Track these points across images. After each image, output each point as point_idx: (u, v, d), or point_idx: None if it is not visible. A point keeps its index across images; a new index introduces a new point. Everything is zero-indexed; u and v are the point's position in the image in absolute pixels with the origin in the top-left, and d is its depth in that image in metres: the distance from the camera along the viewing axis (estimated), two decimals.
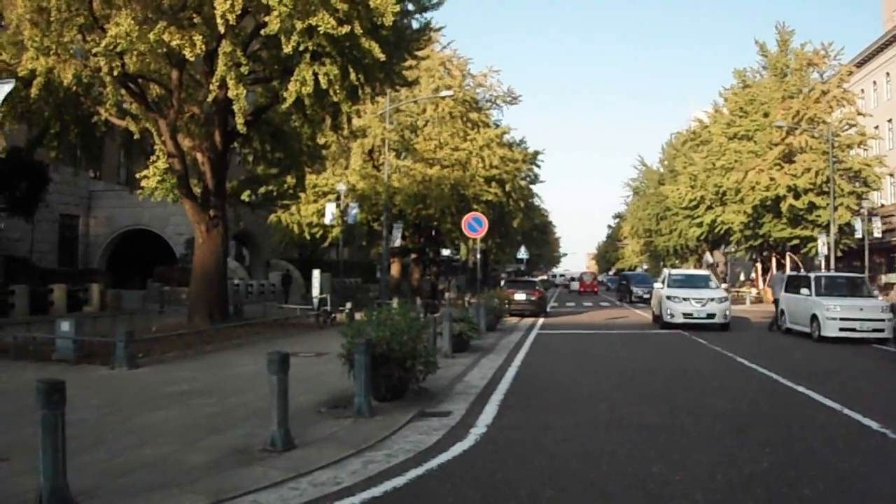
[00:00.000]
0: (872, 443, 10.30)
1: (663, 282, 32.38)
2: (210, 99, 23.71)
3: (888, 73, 67.28)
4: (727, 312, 30.24)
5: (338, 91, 23.18)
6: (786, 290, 29.29)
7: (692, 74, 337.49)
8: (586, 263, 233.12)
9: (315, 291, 32.27)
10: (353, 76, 23.47)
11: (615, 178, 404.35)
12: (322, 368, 16.33)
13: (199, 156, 27.33)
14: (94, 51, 21.58)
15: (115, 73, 22.00)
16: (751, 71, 62.65)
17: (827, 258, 50.54)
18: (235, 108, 22.31)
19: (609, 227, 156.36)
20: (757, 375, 16.95)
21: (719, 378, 16.37)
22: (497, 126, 55.46)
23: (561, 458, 9.22)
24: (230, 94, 22.13)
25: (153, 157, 27.62)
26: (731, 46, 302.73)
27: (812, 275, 27.47)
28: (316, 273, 33.04)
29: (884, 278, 62.29)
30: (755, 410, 12.58)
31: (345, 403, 11.96)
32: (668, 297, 30.39)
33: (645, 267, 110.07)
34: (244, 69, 22.12)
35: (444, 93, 46.62)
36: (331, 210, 42.88)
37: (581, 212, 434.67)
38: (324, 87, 22.69)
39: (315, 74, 22.58)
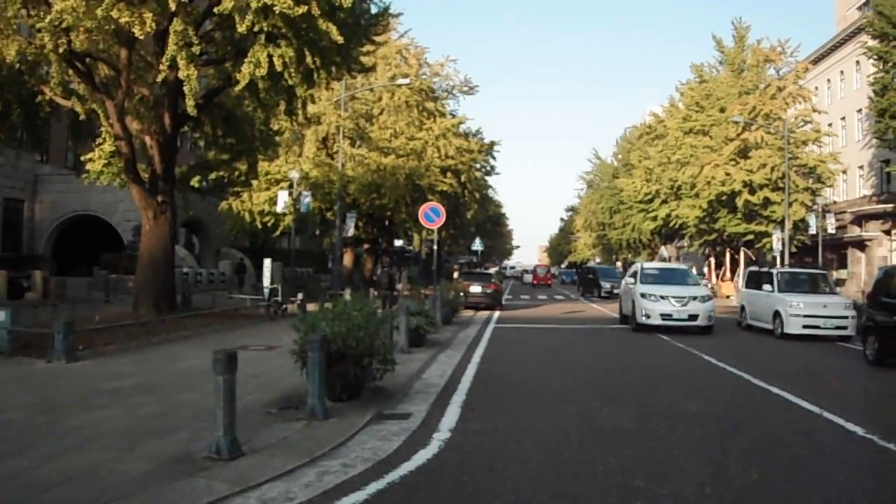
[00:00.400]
0: (864, 452, 9.63)
1: (634, 276, 29.03)
2: (159, 80, 22.75)
3: (842, 72, 67.27)
4: (711, 313, 26.52)
5: (293, 74, 22.31)
6: (746, 286, 28.88)
7: (648, 68, 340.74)
8: (538, 256, 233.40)
9: (266, 281, 31.31)
10: (309, 59, 22.62)
11: (568, 170, 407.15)
12: (273, 363, 15.50)
13: (147, 139, 26.25)
14: (38, 26, 20.53)
15: (61, 50, 20.99)
16: (708, 66, 62.40)
17: (781, 254, 50.45)
18: (186, 89, 21.37)
19: (562, 219, 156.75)
20: (727, 375, 16.35)
21: (688, 377, 15.72)
22: (453, 116, 54.61)
23: (535, 468, 8.42)
24: (181, 74, 21.18)
25: (99, 140, 26.40)
26: (687, 41, 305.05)
27: (774, 270, 26.98)
28: (267, 262, 32.12)
29: (835, 274, 62.45)
30: (732, 414, 11.91)
31: (297, 403, 11.15)
32: (644, 295, 26.54)
33: (598, 260, 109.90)
34: (196, 49, 21.20)
35: (400, 81, 45.73)
36: (283, 198, 41.90)
37: (533, 204, 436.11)
38: (278, 69, 21.83)
39: (270, 56, 21.70)
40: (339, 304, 12.10)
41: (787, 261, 48.88)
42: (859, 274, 63.21)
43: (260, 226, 45.65)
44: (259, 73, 21.72)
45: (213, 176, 30.58)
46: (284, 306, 29.96)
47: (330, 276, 48.75)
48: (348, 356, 11.21)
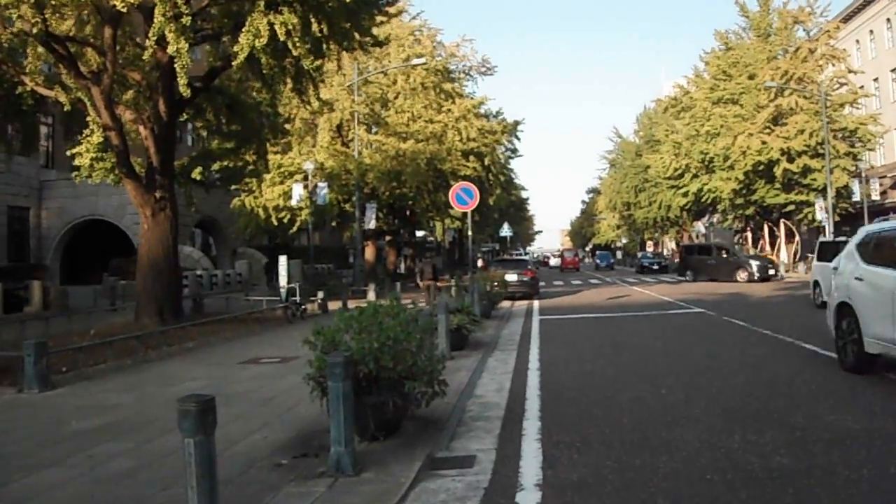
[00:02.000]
0: None
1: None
2: (146, 57, 19.64)
3: (872, 31, 63.85)
4: None
5: (298, 44, 19.20)
6: (819, 260, 25.51)
7: (665, 45, 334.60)
8: (560, 240, 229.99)
9: (282, 280, 28.07)
10: (315, 26, 19.62)
11: (587, 152, 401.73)
12: (288, 382, 12.38)
13: (141, 129, 23.14)
14: (3, 2, 17.49)
15: (35, 30, 17.98)
16: (733, 34, 58.76)
17: (823, 224, 47.31)
18: (177, 66, 18.39)
19: (583, 202, 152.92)
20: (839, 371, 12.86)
21: (810, 378, 12.16)
22: (472, 97, 51.30)
23: None
24: (170, 50, 18.21)
25: (86, 132, 23.20)
26: (702, 18, 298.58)
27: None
28: (283, 260, 28.93)
29: None
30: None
31: (317, 448, 8.01)
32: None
33: (624, 241, 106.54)
34: (186, 21, 18.07)
35: (415, 61, 42.58)
36: (298, 191, 39.06)
37: (553, 188, 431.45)
38: (281, 38, 18.78)
39: (271, 25, 18.61)
40: (368, 309, 8.87)
41: (830, 230, 45.65)
42: None
43: (276, 222, 42.56)
44: (259, 44, 18.75)
45: (216, 167, 27.35)
46: (304, 307, 26.82)
47: (352, 271, 45.63)
48: (383, 381, 8.02)
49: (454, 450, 8.27)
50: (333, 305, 29.26)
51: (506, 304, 29.79)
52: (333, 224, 48.89)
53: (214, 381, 13.23)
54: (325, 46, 21.57)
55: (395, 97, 45.66)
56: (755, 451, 7.78)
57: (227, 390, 12.09)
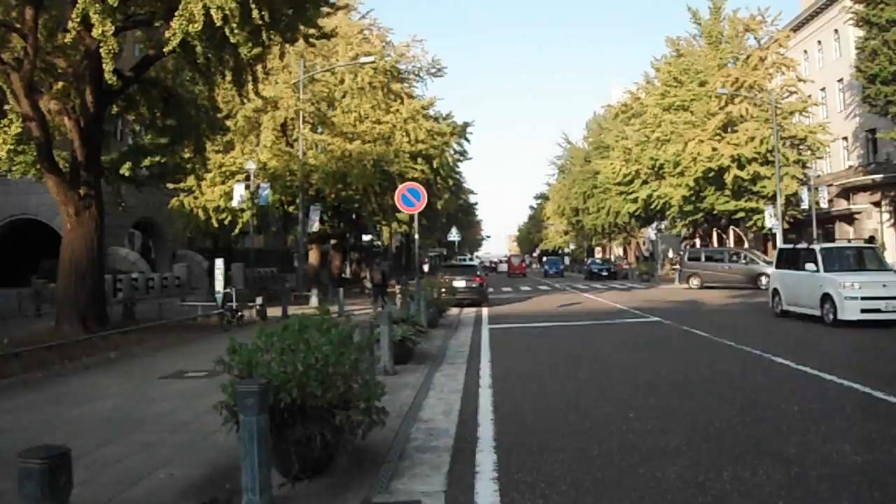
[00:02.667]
0: None
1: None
2: (69, 39, 18.04)
3: (820, 41, 63.56)
4: None
5: (235, 31, 17.71)
6: (778, 266, 24.49)
7: (614, 52, 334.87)
8: (508, 246, 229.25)
9: (218, 285, 26.43)
10: (255, 13, 18.04)
11: (535, 158, 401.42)
12: (211, 402, 10.81)
13: (66, 121, 21.44)
14: None
15: None
16: (684, 41, 58.02)
17: (774, 231, 46.62)
18: (103, 52, 16.89)
19: (531, 207, 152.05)
20: (833, 388, 11.62)
21: (791, 397, 10.85)
22: (422, 98, 49.93)
23: None
24: (95, 33, 16.60)
25: (4, 122, 21.39)
26: (651, 28, 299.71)
27: (816, 247, 22.38)
28: (219, 263, 27.29)
29: None
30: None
31: (229, 492, 6.60)
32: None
33: (572, 247, 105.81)
34: (112, 1, 16.49)
35: (363, 59, 41.00)
36: (239, 191, 37.35)
37: (500, 193, 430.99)
38: (218, 24, 17.27)
39: (206, 9, 17.11)
40: (292, 324, 7.43)
41: (780, 237, 44.98)
42: None
43: (216, 224, 40.78)
44: (193, 30, 17.31)
45: (147, 163, 25.62)
46: (240, 313, 25.28)
47: (295, 275, 44.02)
48: (310, 411, 6.61)
49: (395, 492, 6.87)
50: (274, 311, 27.78)
51: (454, 311, 28.43)
52: (274, 228, 47.14)
53: (128, 401, 11.74)
54: (265, 35, 20.09)
55: (343, 96, 44.10)
56: (751, 493, 6.49)
57: (139, 412, 10.64)
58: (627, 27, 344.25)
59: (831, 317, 20.46)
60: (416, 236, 24.73)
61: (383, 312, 14.37)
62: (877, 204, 56.29)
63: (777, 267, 24.52)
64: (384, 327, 13.60)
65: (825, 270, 21.23)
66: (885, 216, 55.90)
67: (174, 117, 24.84)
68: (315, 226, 40.96)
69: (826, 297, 20.74)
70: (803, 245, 23.46)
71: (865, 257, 22.72)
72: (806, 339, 18.32)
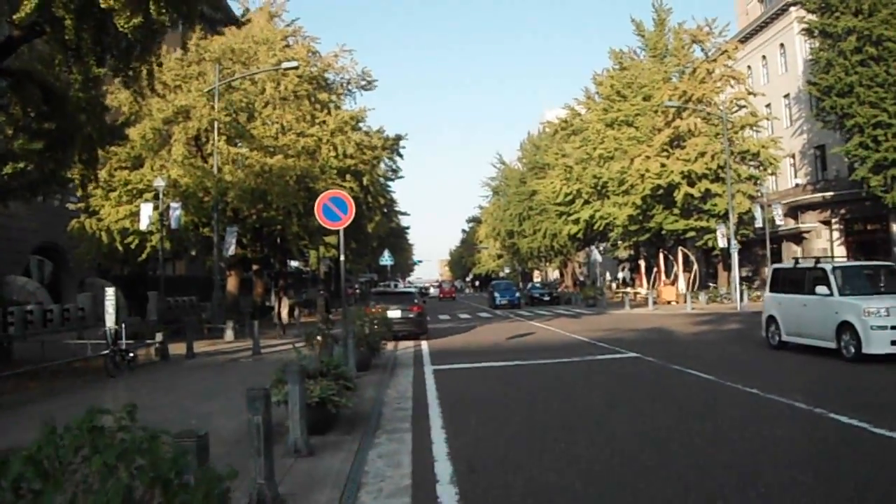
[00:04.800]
0: None
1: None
2: None
3: (764, 56, 60.72)
4: None
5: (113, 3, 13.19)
6: (773, 290, 20.30)
7: (547, 73, 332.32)
8: (439, 270, 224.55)
9: (108, 320, 21.37)
10: None
11: (468, 183, 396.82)
12: None
13: None
14: None
15: None
16: (627, 56, 54.37)
17: (724, 250, 43.13)
18: None
19: (463, 231, 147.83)
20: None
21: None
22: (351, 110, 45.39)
23: None
24: None
25: None
26: (587, 47, 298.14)
27: (827, 266, 18.11)
28: (110, 292, 22.22)
29: (767, 271, 55.38)
30: None
31: None
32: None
33: (507, 270, 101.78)
34: None
35: (286, 64, 36.22)
36: (147, 212, 32.63)
37: (431, 217, 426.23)
38: None
39: None
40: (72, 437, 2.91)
41: (735, 257, 41.41)
42: None
43: (121, 248, 35.67)
44: None
45: (9, 170, 20.67)
46: (131, 354, 20.46)
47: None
48: None
49: None
50: (180, 348, 23.22)
51: (389, 345, 23.77)
52: (193, 252, 42.05)
53: None
54: (153, 7, 15.53)
55: (264, 106, 39.32)
56: None
57: None
58: (563, 48, 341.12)
59: (852, 350, 16.33)
60: (342, 257, 19.44)
61: (289, 367, 9.66)
62: (826, 222, 53.31)
63: (772, 290, 20.29)
64: (294, 387, 9.07)
65: (841, 294, 17.10)
66: (836, 235, 52.91)
67: (56, 119, 20.05)
68: (232, 249, 36.12)
69: (845, 327, 16.61)
70: (809, 264, 19.31)
71: (885, 278, 18.65)
72: (841, 381, 14.19)
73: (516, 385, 15.45)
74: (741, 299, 39.13)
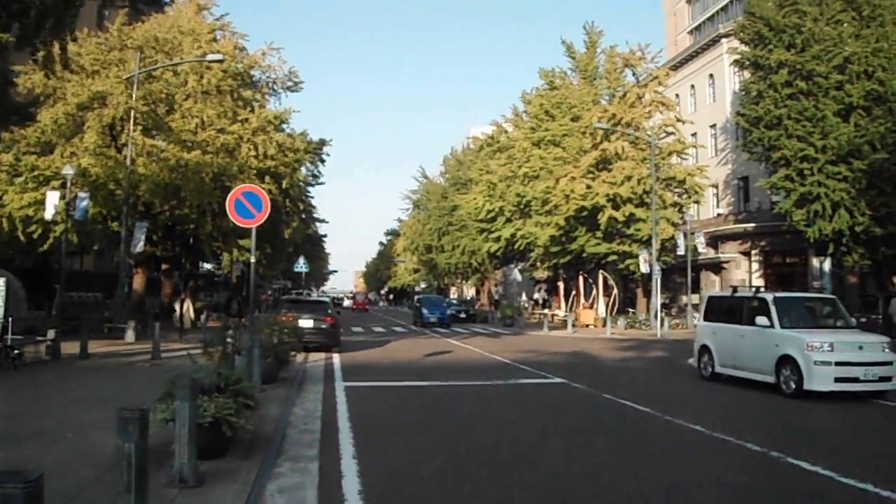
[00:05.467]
0: None
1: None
2: None
3: (693, 86, 61.09)
4: None
5: None
6: (707, 318, 19.25)
7: (473, 90, 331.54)
8: (354, 282, 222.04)
9: None
10: None
11: (385, 193, 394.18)
12: None
13: None
14: None
15: None
16: (558, 76, 53.45)
17: (648, 276, 42.35)
18: None
19: (381, 244, 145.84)
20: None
21: None
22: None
23: None
24: None
25: None
26: (512, 65, 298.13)
27: (768, 296, 17.05)
28: (0, 283, 20.30)
29: (685, 299, 55.20)
30: None
31: None
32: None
33: (423, 285, 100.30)
34: None
35: (211, 56, 34.34)
36: (52, 200, 30.55)
37: (348, 227, 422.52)
38: None
39: None
40: None
41: (657, 284, 40.77)
42: None
43: (23, 237, 33.37)
44: None
45: None
46: (17, 351, 18.61)
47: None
48: None
49: None
50: (75, 348, 21.39)
51: (299, 357, 22.16)
52: (96, 247, 39.77)
53: None
54: None
55: (185, 99, 37.27)
56: None
57: None
58: (493, 67, 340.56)
59: (793, 385, 15.37)
60: (253, 259, 17.60)
61: (178, 379, 8.14)
62: (746, 253, 53.34)
63: (706, 319, 19.25)
64: (183, 404, 7.58)
65: (783, 326, 16.11)
66: (755, 266, 52.86)
67: None
68: (140, 246, 34.05)
69: (785, 361, 15.65)
70: (747, 293, 18.32)
71: (825, 311, 17.74)
72: (788, 420, 13.17)
73: (437, 409, 14.07)
74: (662, 326, 38.30)
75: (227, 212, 14.86)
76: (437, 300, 56.49)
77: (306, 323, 25.10)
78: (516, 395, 16.27)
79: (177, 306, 32.50)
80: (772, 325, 16.21)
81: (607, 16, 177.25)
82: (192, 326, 31.19)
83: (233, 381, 9.34)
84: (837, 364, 14.89)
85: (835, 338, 15.38)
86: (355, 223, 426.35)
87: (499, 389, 17.00)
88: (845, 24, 38.62)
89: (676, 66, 59.36)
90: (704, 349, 18.83)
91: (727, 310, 18.45)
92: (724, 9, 75.76)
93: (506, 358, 24.74)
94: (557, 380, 18.43)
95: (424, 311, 50.68)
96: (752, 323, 16.76)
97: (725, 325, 18.11)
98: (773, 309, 16.44)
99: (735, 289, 19.67)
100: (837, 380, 14.86)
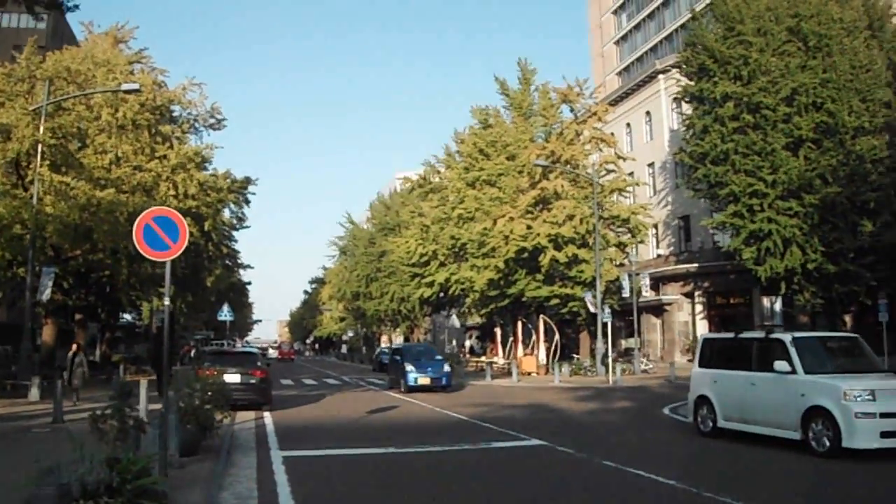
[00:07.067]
0: None
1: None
2: None
3: (629, 124, 59.51)
4: None
5: None
6: (706, 365, 16.42)
7: (398, 137, 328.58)
8: (278, 331, 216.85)
9: None
10: None
11: (308, 244, 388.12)
12: None
13: None
14: None
15: None
16: (491, 115, 51.03)
17: (594, 318, 39.91)
18: None
19: (306, 292, 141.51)
20: None
21: None
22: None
23: None
24: None
25: None
26: (438, 115, 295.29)
27: (786, 337, 14.41)
28: None
29: (623, 343, 53.00)
30: None
31: None
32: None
33: (350, 334, 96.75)
34: None
35: (126, 86, 31.05)
36: None
37: (272, 276, 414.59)
38: None
39: None
40: None
41: (608, 327, 38.24)
42: (655, 342, 54.01)
43: None
44: None
45: None
46: None
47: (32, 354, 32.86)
48: None
49: None
50: None
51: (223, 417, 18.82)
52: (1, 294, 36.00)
53: None
54: None
55: (98, 133, 33.85)
56: None
57: None
58: (420, 113, 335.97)
59: (826, 443, 12.71)
60: (167, 301, 13.58)
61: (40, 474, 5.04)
62: (688, 295, 51.31)
63: (703, 365, 16.44)
64: None
65: (808, 372, 13.45)
66: (699, 307, 50.86)
67: None
68: (47, 293, 30.41)
69: (815, 414, 12.98)
70: (756, 334, 15.64)
71: (850, 352, 15.10)
72: (846, 492, 10.46)
73: (405, 492, 10.96)
74: (614, 373, 35.59)
75: (135, 241, 11.54)
76: (426, 350, 37.90)
77: (233, 378, 21.79)
78: (498, 465, 13.14)
79: (67, 362, 28.09)
80: (793, 371, 13.55)
81: (533, 57, 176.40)
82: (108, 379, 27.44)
83: (133, 473, 6.23)
84: (882, 416, 12.28)
85: (875, 384, 12.79)
86: (278, 271, 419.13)
87: (472, 458, 13.92)
88: (792, 55, 36.90)
89: (612, 104, 57.57)
90: (702, 400, 16.02)
91: (730, 354, 15.73)
92: (653, 49, 75.02)
93: (460, 413, 21.67)
94: (535, 441, 15.46)
95: (409, 367, 31.98)
96: (766, 368, 14.11)
97: (729, 371, 15.36)
98: (792, 351, 13.77)
99: (738, 330, 16.81)
100: (884, 434, 12.24)
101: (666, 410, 21.84)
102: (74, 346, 28.62)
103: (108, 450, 6.75)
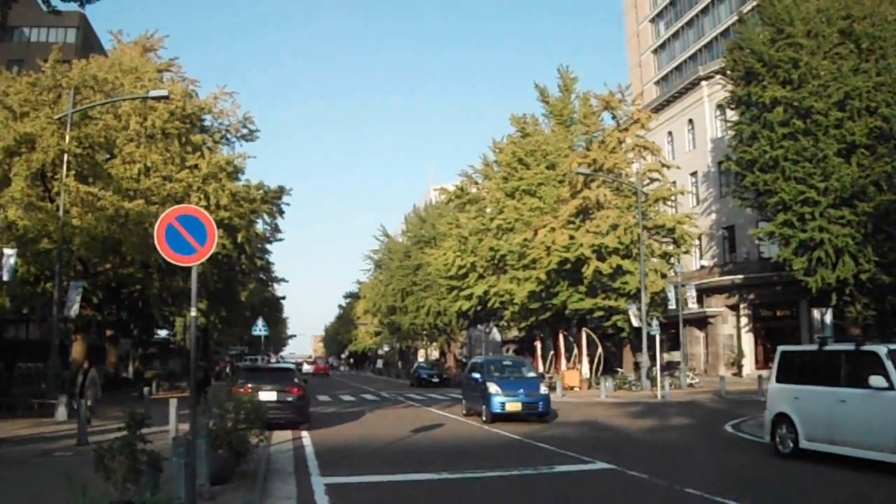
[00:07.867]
0: None
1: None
2: None
3: (670, 133, 57.71)
4: None
5: None
6: (785, 380, 14.88)
7: (434, 150, 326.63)
8: (313, 346, 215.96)
9: None
10: None
11: (342, 258, 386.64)
12: None
13: None
14: None
15: None
16: (529, 124, 49.76)
17: (637, 332, 38.45)
18: None
19: (340, 307, 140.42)
20: None
21: None
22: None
23: None
24: None
25: None
26: (474, 127, 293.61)
27: (881, 349, 12.85)
28: None
29: (666, 356, 51.30)
30: None
31: None
32: None
33: (386, 348, 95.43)
34: None
35: (155, 92, 29.96)
36: None
37: (306, 290, 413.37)
38: None
39: None
40: None
41: (656, 341, 36.57)
42: (699, 355, 52.32)
43: None
44: None
45: None
46: None
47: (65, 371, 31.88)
48: None
49: None
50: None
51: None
52: (24, 311, 34.89)
53: None
54: None
55: (126, 143, 32.80)
56: None
57: None
58: (456, 125, 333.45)
59: None
60: (193, 312, 11.71)
61: None
62: (733, 307, 49.59)
63: (781, 380, 14.94)
64: None
65: None
66: (744, 320, 49.15)
67: None
68: (75, 309, 29.31)
69: None
70: (846, 346, 14.08)
71: None
72: None
73: None
74: (662, 387, 34.01)
75: (156, 244, 10.16)
76: (514, 364, 28.65)
77: (269, 396, 20.48)
78: (566, 494, 11.68)
79: (79, 378, 26.82)
80: (891, 387, 12.04)
81: (570, 69, 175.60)
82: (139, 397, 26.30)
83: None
84: None
85: None
86: (313, 285, 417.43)
87: (535, 484, 12.47)
88: (844, 58, 35.30)
89: (653, 112, 56.04)
90: (782, 418, 14.47)
91: (813, 368, 14.21)
92: (692, 57, 73.34)
93: (511, 432, 20.24)
94: (601, 465, 13.99)
95: (493, 389, 23.85)
96: (858, 384, 12.63)
97: (814, 387, 13.84)
98: (889, 365, 12.26)
99: (823, 341, 15.25)
100: None
101: (728, 428, 20.38)
102: (86, 364, 27.64)
103: (117, 493, 5.45)
